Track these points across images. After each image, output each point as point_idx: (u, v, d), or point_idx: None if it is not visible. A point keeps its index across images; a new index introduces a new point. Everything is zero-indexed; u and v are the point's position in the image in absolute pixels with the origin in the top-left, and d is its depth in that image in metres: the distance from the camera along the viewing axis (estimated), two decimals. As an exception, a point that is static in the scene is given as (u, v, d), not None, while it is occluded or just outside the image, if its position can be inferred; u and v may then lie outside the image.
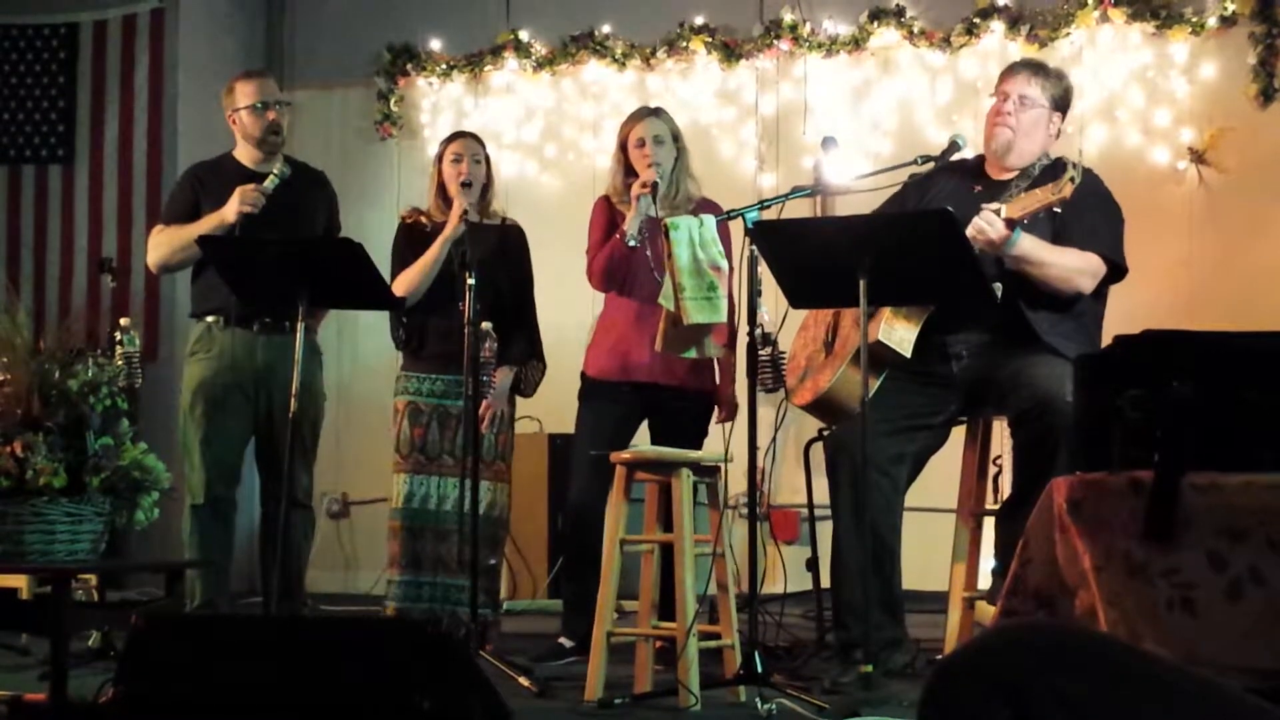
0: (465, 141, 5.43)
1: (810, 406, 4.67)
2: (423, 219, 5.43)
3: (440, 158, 5.42)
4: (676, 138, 5.25)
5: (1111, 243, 4.48)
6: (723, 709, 4.12)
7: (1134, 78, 6.92)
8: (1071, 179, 4.12)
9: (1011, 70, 4.68)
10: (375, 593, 6.05)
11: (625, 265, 5.15)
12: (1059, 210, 4.29)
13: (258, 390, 5.41)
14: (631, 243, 5.05)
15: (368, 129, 8.04)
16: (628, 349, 5.18)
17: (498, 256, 5.26)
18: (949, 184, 4.67)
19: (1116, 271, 4.50)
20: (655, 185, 5.03)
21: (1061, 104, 4.63)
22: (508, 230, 5.44)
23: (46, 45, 8.02)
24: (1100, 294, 4.52)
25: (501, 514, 5.35)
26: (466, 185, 5.31)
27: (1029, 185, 4.48)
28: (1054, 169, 4.51)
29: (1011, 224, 4.25)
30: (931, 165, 4.65)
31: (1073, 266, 4.40)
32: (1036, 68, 4.69)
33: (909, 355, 4.40)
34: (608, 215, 5.29)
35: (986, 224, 4.24)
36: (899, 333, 4.39)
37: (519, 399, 5.53)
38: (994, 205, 4.29)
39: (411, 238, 5.39)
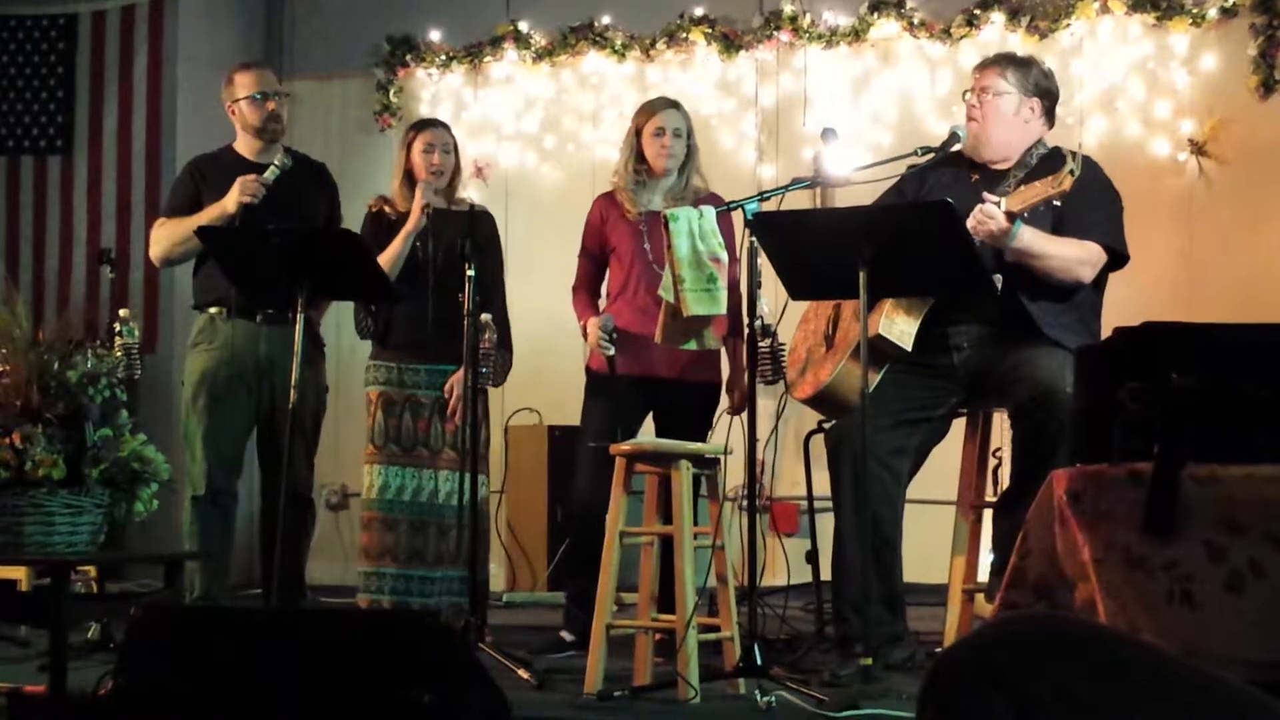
0: (436, 131, 5.43)
1: (811, 400, 4.67)
2: (387, 208, 5.43)
3: (409, 145, 5.42)
4: (691, 134, 5.26)
5: (1112, 231, 4.47)
6: (722, 701, 4.12)
7: (1134, 69, 6.91)
8: (1071, 171, 4.11)
9: (979, 66, 4.68)
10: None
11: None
12: (1058, 202, 4.29)
13: (260, 382, 5.41)
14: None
15: (367, 120, 8.03)
16: (630, 343, 5.18)
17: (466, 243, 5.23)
18: (947, 174, 4.66)
19: (1117, 259, 4.49)
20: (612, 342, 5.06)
21: (1038, 90, 4.58)
22: (476, 217, 5.39)
23: (45, 36, 8.02)
24: (1099, 283, 4.51)
25: (485, 507, 5.34)
26: (439, 174, 5.32)
27: (1026, 175, 4.47)
28: (1051, 159, 4.50)
29: (1012, 217, 4.25)
30: (931, 156, 4.64)
31: (1073, 257, 4.39)
32: (1003, 59, 4.66)
33: (909, 349, 4.40)
34: (599, 222, 5.30)
35: (988, 216, 4.24)
36: (899, 326, 4.39)
37: (488, 389, 5.48)
38: (994, 198, 4.29)
39: (377, 227, 5.39)
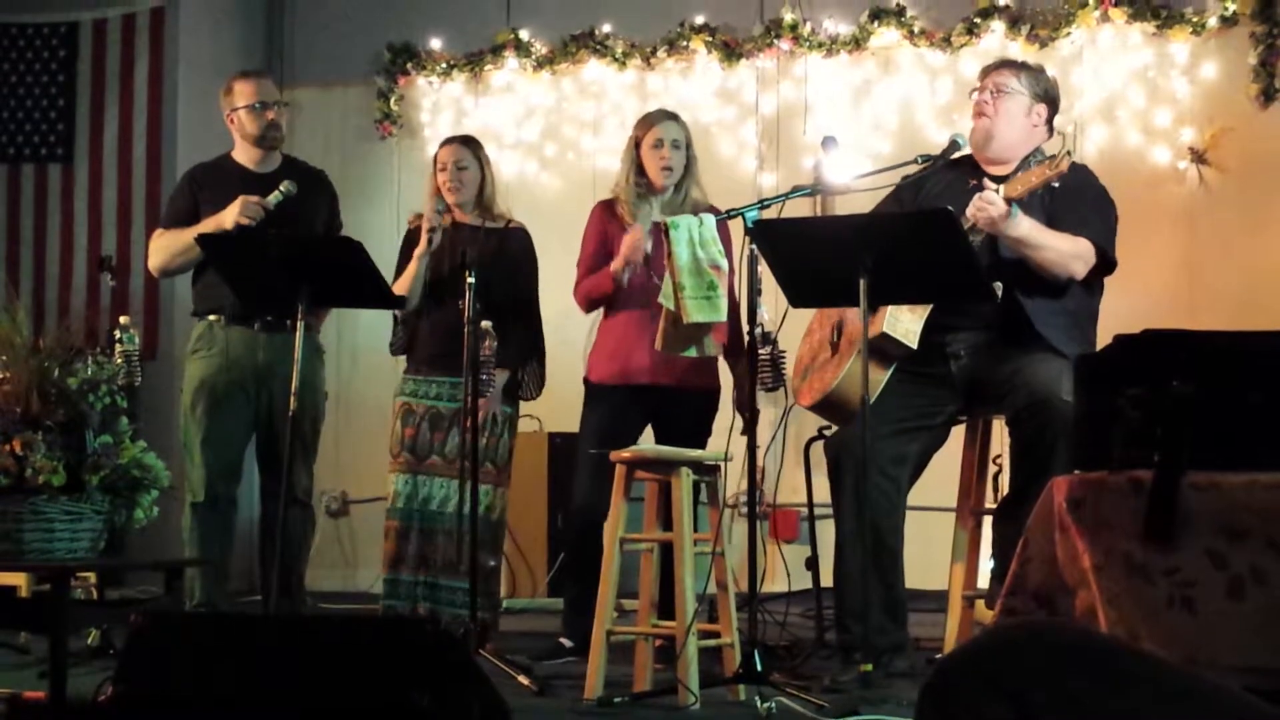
0: (451, 149, 5.45)
1: (817, 406, 4.66)
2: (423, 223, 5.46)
3: (434, 164, 5.46)
4: (689, 145, 5.28)
5: (1103, 232, 4.48)
6: (722, 707, 4.12)
7: (1134, 77, 6.92)
8: (1068, 152, 4.14)
9: (988, 67, 4.71)
10: (374, 591, 6.05)
11: (609, 297, 5.18)
12: (1056, 186, 4.28)
13: (259, 389, 5.41)
14: (617, 282, 5.09)
15: (368, 128, 8.04)
16: (629, 352, 5.18)
17: (495, 259, 5.25)
18: (944, 180, 4.67)
19: (1105, 263, 4.50)
20: (647, 256, 5.04)
21: (1045, 96, 4.62)
22: (509, 233, 5.44)
23: (46, 44, 8.02)
24: (1093, 288, 4.52)
25: (495, 516, 5.32)
26: (454, 191, 5.34)
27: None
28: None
29: (1010, 202, 4.26)
30: (931, 164, 4.64)
31: (1068, 250, 4.40)
32: (1015, 62, 4.73)
33: (915, 346, 4.40)
34: (602, 226, 5.31)
35: (987, 202, 4.25)
36: (904, 324, 4.39)
37: (522, 402, 5.51)
38: (993, 185, 4.30)
39: (411, 244, 5.41)
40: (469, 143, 5.52)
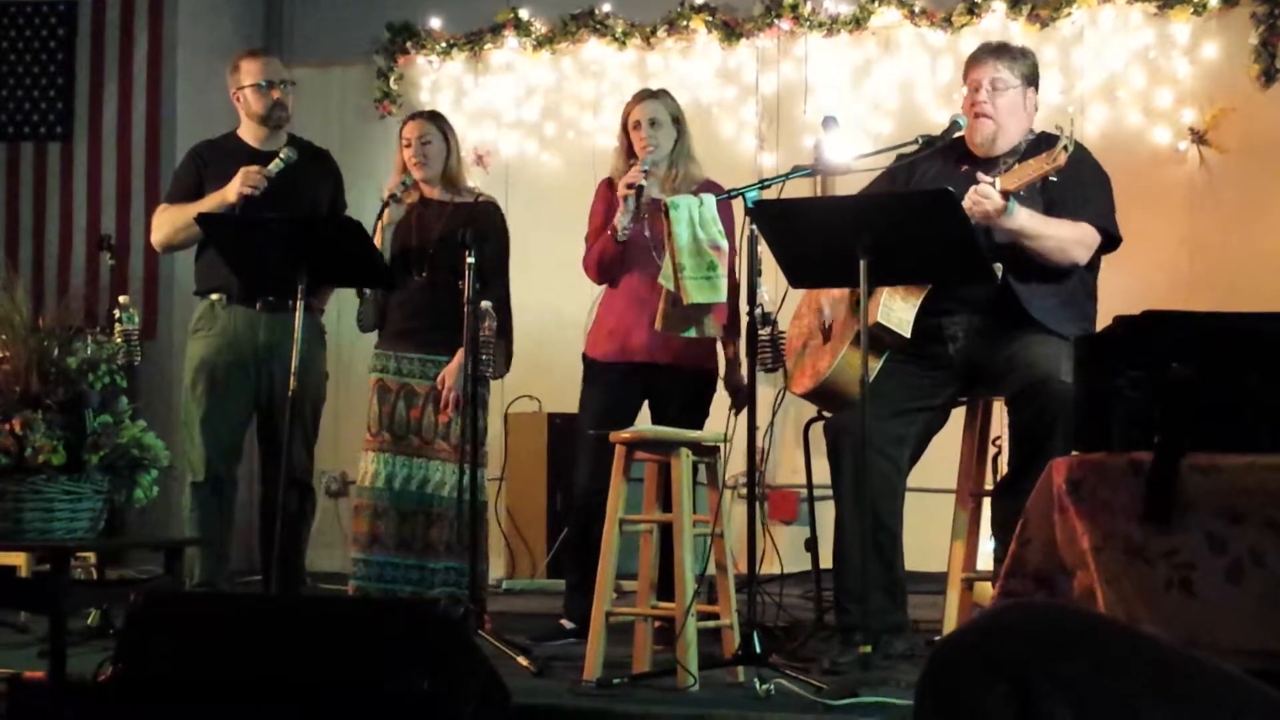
0: (414, 124, 5.43)
1: (811, 394, 4.65)
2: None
3: (399, 140, 5.44)
4: (677, 120, 5.23)
5: (1104, 211, 4.46)
6: (721, 689, 4.12)
7: (1135, 58, 6.90)
8: (1065, 147, 4.11)
9: (977, 58, 4.60)
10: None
11: (618, 259, 5.15)
12: (1054, 179, 4.27)
13: (259, 369, 5.41)
14: (622, 239, 5.06)
15: (367, 107, 8.03)
16: (627, 330, 5.17)
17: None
18: (935, 165, 4.64)
19: (1110, 240, 4.49)
20: (640, 189, 5.01)
21: (1032, 79, 4.59)
22: (479, 208, 5.41)
23: (45, 23, 8.00)
24: (1092, 264, 4.51)
25: (482, 496, 5.33)
26: (420, 166, 5.32)
27: (1017, 161, 4.46)
28: (1039, 143, 4.51)
29: (1007, 195, 4.24)
30: (932, 145, 4.62)
31: (1068, 238, 4.39)
32: (1000, 50, 4.61)
33: (908, 335, 4.39)
34: (608, 200, 5.28)
35: (983, 196, 4.23)
36: (897, 313, 4.37)
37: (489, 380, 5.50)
38: (988, 178, 4.28)
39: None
40: (434, 117, 5.50)
